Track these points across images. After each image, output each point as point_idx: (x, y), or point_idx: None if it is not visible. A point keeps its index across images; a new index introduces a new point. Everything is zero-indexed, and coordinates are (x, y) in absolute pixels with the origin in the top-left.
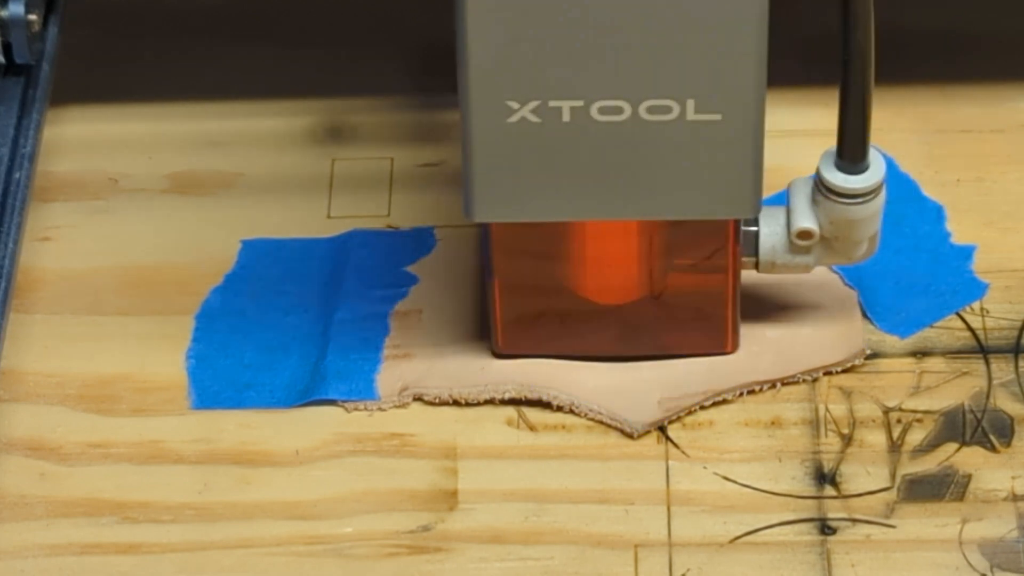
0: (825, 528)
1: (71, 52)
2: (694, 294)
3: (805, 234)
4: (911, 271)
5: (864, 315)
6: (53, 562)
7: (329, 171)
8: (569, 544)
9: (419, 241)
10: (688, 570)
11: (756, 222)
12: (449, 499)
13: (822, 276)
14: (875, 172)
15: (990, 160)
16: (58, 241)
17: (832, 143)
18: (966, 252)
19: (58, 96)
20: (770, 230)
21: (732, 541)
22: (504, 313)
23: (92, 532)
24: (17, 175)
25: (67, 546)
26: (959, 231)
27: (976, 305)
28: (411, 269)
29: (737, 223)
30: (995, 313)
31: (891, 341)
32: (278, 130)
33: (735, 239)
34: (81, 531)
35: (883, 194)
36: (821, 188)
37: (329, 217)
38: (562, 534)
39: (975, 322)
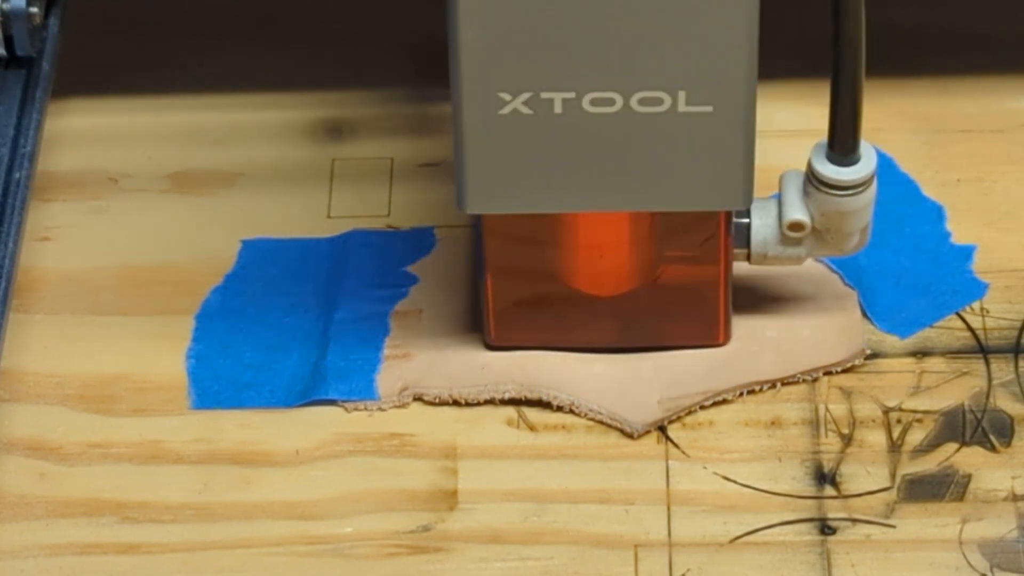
0: (825, 528)
1: (71, 47)
2: (686, 286)
3: (796, 226)
4: (911, 271)
5: (864, 315)
6: (53, 562)
7: (329, 171)
8: (569, 544)
9: (419, 241)
10: (688, 570)
11: (748, 214)
12: (449, 499)
13: (822, 276)
14: (866, 164)
15: (990, 160)
16: (58, 241)
17: None
18: (966, 252)
19: (58, 91)
20: (762, 222)
21: (732, 541)
22: (496, 304)
23: (92, 532)
24: (17, 175)
25: (67, 546)
26: (959, 231)
27: (976, 305)
28: (411, 269)
29: (728, 215)
30: (995, 313)
31: (891, 341)
32: (278, 129)
33: (726, 231)
34: (81, 531)
35: (874, 186)
36: (812, 180)
37: (329, 217)
38: (562, 534)
39: (975, 322)
